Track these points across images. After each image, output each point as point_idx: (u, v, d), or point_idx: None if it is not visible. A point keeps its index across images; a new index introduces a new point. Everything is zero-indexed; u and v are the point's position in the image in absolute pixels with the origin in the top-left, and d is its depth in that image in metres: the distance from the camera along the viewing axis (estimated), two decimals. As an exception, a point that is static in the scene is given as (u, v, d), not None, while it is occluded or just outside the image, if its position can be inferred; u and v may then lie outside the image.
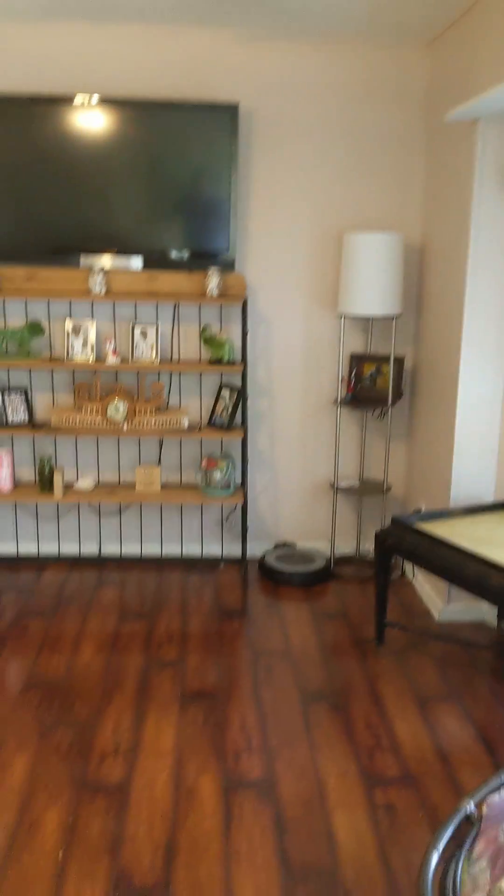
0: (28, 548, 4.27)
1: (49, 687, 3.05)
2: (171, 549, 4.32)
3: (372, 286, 3.73)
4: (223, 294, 3.91)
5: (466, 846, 1.85)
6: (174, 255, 3.88)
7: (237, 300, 3.83)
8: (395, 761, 2.66)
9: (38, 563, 4.24)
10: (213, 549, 4.33)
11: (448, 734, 2.82)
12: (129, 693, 3.03)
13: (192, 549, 4.32)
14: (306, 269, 4.05)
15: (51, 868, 2.17)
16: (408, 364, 4.17)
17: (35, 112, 3.74)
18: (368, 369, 4.09)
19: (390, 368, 3.95)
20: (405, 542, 3.13)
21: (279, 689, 3.08)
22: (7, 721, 2.83)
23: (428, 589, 3.87)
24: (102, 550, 4.30)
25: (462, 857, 1.81)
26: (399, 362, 4.07)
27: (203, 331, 3.94)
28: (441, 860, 1.79)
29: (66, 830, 2.31)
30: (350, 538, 4.38)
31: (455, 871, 1.78)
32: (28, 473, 4.19)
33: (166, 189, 3.83)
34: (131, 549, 4.31)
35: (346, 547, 4.39)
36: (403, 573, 4.21)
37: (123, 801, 2.44)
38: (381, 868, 2.20)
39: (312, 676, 3.19)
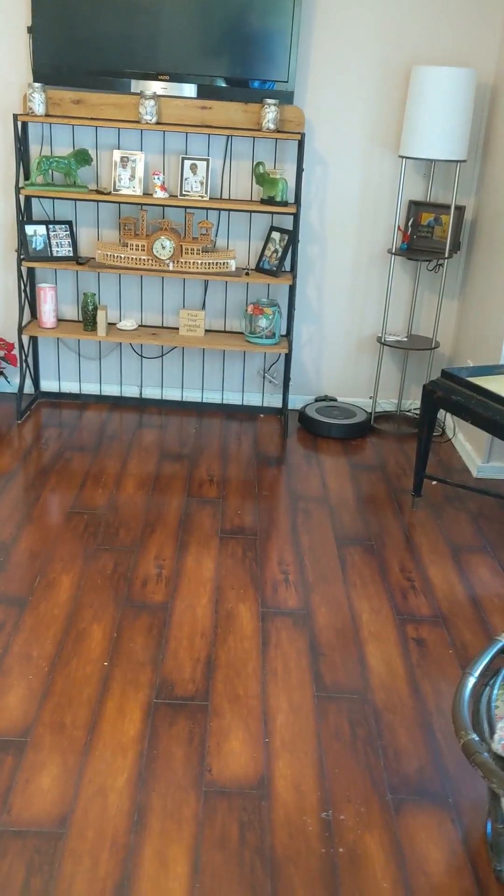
0: (70, 386, 4.29)
1: (93, 516, 3.13)
2: (212, 396, 4.32)
3: (438, 126, 3.51)
4: (279, 128, 3.71)
5: (502, 676, 1.90)
6: (230, 84, 3.67)
7: (294, 136, 3.64)
8: (426, 602, 2.73)
9: (80, 402, 4.27)
10: (253, 399, 4.32)
11: (481, 582, 2.87)
12: (171, 526, 3.10)
13: (233, 398, 4.32)
14: (369, 107, 3.82)
15: (97, 674, 2.28)
16: (468, 215, 3.99)
17: None
18: (426, 218, 3.93)
19: (450, 218, 3.78)
20: (453, 396, 3.09)
21: (316, 532, 3.14)
22: (53, 544, 2.92)
23: (468, 447, 3.86)
24: (143, 393, 4.31)
25: (498, 683, 1.87)
26: (459, 212, 3.90)
27: (256, 167, 3.77)
28: (476, 686, 1.84)
29: (110, 642, 2.42)
30: (392, 395, 4.35)
31: (489, 696, 1.84)
32: (71, 311, 4.14)
33: (224, 13, 3.57)
34: (172, 393, 4.31)
35: (387, 404, 4.36)
36: (443, 432, 4.19)
37: (165, 619, 2.54)
38: (410, 693, 2.29)
39: (349, 522, 3.23)
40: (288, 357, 4.02)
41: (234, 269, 3.85)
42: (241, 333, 4.12)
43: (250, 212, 3.94)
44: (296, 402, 4.35)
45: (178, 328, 4.13)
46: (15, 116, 3.62)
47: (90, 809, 1.85)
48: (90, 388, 4.29)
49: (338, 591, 2.76)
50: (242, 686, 2.28)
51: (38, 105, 3.60)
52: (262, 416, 4.29)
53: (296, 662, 2.39)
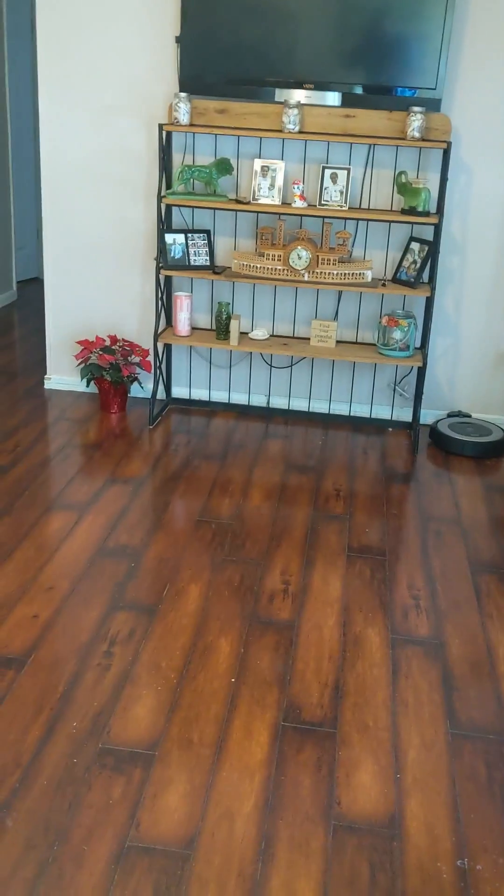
0: (199, 393, 4.31)
1: (220, 526, 3.13)
2: (340, 408, 4.25)
3: None
4: (424, 137, 3.61)
5: None
6: (375, 92, 3.59)
7: (440, 144, 3.53)
8: None
9: (209, 409, 4.29)
10: (382, 412, 4.23)
11: None
12: (297, 540, 3.06)
13: (361, 410, 4.24)
14: (519, 113, 3.67)
15: (224, 690, 2.26)
16: None
17: None
18: None
19: None
20: None
21: (448, 556, 3.03)
22: (182, 552, 2.93)
23: None
24: (271, 402, 4.29)
25: None
26: None
27: (398, 176, 3.68)
28: None
29: (237, 658, 2.39)
30: (529, 413, 4.16)
31: None
32: (205, 319, 4.17)
33: (371, 19, 3.50)
34: (299, 403, 4.27)
35: (523, 422, 4.18)
36: None
37: (292, 639, 2.50)
38: (552, 739, 2.16)
39: (484, 547, 3.10)
40: (421, 370, 3.90)
41: (370, 279, 3.77)
42: (374, 345, 4.04)
43: (390, 222, 3.86)
44: (427, 416, 4.22)
45: (309, 338, 4.08)
46: (160, 126, 3.67)
47: (217, 833, 1.82)
48: (219, 395, 4.31)
49: (472, 621, 2.64)
50: (372, 716, 2.21)
51: (182, 115, 3.64)
52: (390, 429, 4.19)
53: (427, 695, 2.30)
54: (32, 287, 6.44)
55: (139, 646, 2.42)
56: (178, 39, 3.69)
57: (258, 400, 4.29)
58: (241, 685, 2.29)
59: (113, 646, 2.41)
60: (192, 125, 3.70)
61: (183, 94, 3.62)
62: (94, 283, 4.18)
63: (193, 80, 3.68)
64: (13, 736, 2.05)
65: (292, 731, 2.14)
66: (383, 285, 3.79)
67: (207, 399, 4.31)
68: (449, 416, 4.16)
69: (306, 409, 4.28)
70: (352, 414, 4.25)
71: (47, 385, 4.41)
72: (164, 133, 3.74)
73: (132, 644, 2.42)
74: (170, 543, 2.98)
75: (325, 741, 2.10)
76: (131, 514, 3.17)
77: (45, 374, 4.44)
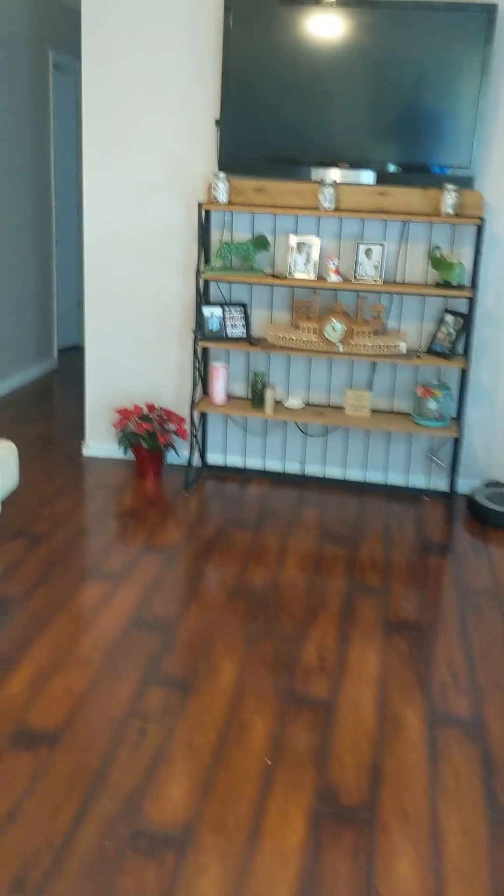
0: (234, 460, 4.35)
1: (255, 597, 3.11)
2: (375, 476, 4.25)
3: None
4: (458, 213, 3.68)
5: None
6: (408, 169, 3.68)
7: (473, 220, 3.59)
8: None
9: (243, 476, 4.31)
10: (418, 481, 4.22)
11: None
12: (333, 613, 3.03)
13: (397, 478, 4.23)
14: (552, 190, 3.72)
15: (258, 772, 2.23)
16: None
17: (278, 14, 3.61)
18: None
19: None
20: None
21: (488, 631, 2.98)
22: (216, 625, 2.92)
23: None
24: (305, 470, 4.30)
25: None
26: None
27: (432, 251, 3.74)
28: None
29: (272, 737, 2.36)
30: None
31: None
32: (241, 388, 4.23)
33: (404, 100, 3.61)
34: (334, 471, 4.28)
35: None
36: None
37: (328, 718, 2.46)
38: None
39: (523, 622, 3.05)
40: (457, 441, 3.90)
41: (404, 351, 3.81)
42: (409, 414, 4.05)
43: (424, 295, 3.91)
44: (464, 485, 4.20)
45: (343, 407, 4.11)
46: (199, 205, 3.78)
47: (252, 924, 1.78)
48: (254, 462, 4.33)
49: (512, 701, 2.58)
50: (410, 800, 2.15)
51: (221, 194, 3.75)
52: (426, 499, 4.17)
53: (468, 779, 2.24)
54: (73, 354, 6.59)
55: (173, 723, 2.40)
56: (217, 122, 3.83)
57: (293, 467, 4.31)
58: (277, 766, 2.25)
59: (147, 722, 2.39)
60: (230, 203, 3.82)
61: (221, 174, 3.74)
62: (132, 353, 4.28)
63: (232, 161, 3.81)
64: (46, 816, 2.04)
65: (329, 815, 2.09)
66: (418, 357, 3.82)
67: (242, 466, 4.34)
68: (486, 486, 4.13)
69: (341, 477, 4.28)
70: (388, 482, 4.24)
71: (85, 452, 4.48)
72: (203, 211, 3.85)
73: (166, 721, 2.40)
74: (204, 615, 2.97)
75: (362, 827, 2.05)
76: (166, 584, 3.18)
77: (84, 440, 4.51)
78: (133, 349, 4.27)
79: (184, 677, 2.61)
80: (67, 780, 2.16)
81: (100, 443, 4.45)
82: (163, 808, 2.08)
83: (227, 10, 3.67)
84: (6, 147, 5.25)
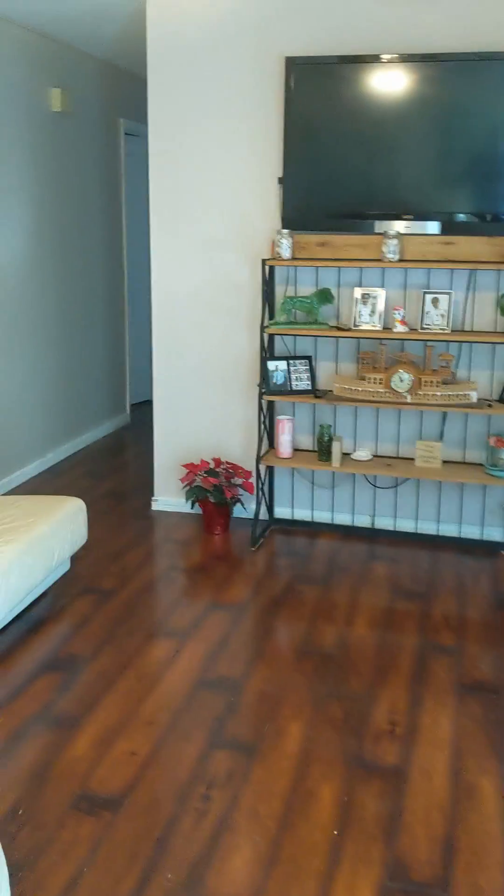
0: (302, 513, 4.30)
1: (323, 657, 3.04)
2: (448, 529, 4.14)
3: None
4: (526, 260, 3.61)
5: None
6: (474, 218, 3.65)
7: (542, 267, 3.52)
8: None
9: (312, 530, 4.26)
10: (494, 533, 4.09)
11: None
12: (404, 674, 2.93)
13: (471, 531, 4.11)
14: None
15: (325, 843, 2.14)
16: None
17: (339, 72, 3.66)
18: None
19: None
20: None
21: None
22: (283, 686, 2.85)
23: None
24: (375, 523, 4.22)
25: None
26: None
27: (501, 298, 3.67)
28: None
29: (340, 807, 2.27)
30: None
31: None
32: (307, 440, 4.20)
33: (471, 149, 3.59)
34: (405, 524, 4.19)
35: None
36: None
37: (399, 786, 2.36)
38: None
39: None
40: (532, 492, 3.77)
41: (475, 400, 3.72)
42: (482, 465, 3.95)
43: (494, 343, 3.83)
44: (540, 538, 4.05)
45: (413, 458, 4.04)
46: (263, 261, 3.82)
47: None
48: (322, 515, 4.28)
49: None
50: (486, 878, 2.03)
51: (284, 250, 3.79)
52: (503, 552, 4.03)
53: (549, 858, 2.10)
54: (146, 409, 6.68)
55: (238, 789, 2.33)
56: (280, 180, 3.88)
57: (362, 520, 4.24)
58: (345, 837, 2.16)
59: (211, 788, 2.33)
60: (293, 259, 3.84)
61: (285, 231, 3.78)
62: (199, 408, 4.31)
63: (295, 217, 3.84)
64: (107, 886, 1.99)
65: (399, 891, 1.99)
66: (489, 406, 3.74)
67: (310, 519, 4.29)
68: None
69: (413, 531, 4.18)
70: (461, 535, 4.12)
71: (154, 506, 4.51)
72: (266, 267, 3.89)
73: (231, 787, 2.34)
74: (270, 675, 2.91)
75: (435, 908, 1.94)
76: (232, 642, 3.13)
77: (153, 495, 4.54)
78: (200, 404, 4.31)
79: (249, 740, 2.55)
80: (129, 847, 2.12)
81: (168, 497, 4.48)
82: (226, 881, 2.01)
83: (288, 70, 3.74)
84: (82, 211, 5.44)
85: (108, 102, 5.74)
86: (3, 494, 4.62)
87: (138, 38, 4.63)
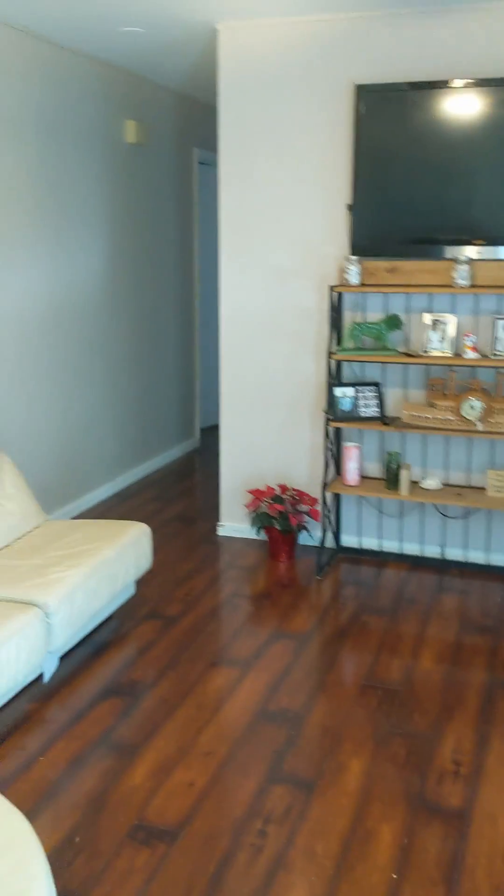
0: (370, 542, 4.24)
1: (387, 692, 2.97)
2: (520, 561, 4.01)
3: None
4: None
5: None
6: (548, 242, 3.56)
7: None
8: None
9: (379, 559, 4.19)
10: None
11: None
12: (471, 712, 2.84)
13: (544, 564, 3.98)
14: None
15: (384, 886, 2.08)
16: None
17: (410, 98, 3.64)
18: None
19: None
20: None
21: None
22: (345, 721, 2.79)
23: None
24: (445, 553, 4.13)
25: None
26: None
27: None
28: None
29: (400, 849, 2.20)
30: None
31: None
32: (375, 468, 4.14)
33: (544, 171, 3.52)
34: (476, 555, 4.08)
35: None
36: None
37: (462, 830, 2.27)
38: None
39: None
40: None
41: (548, 429, 3.61)
42: None
43: None
44: None
45: (485, 488, 3.93)
46: (331, 288, 3.81)
47: None
48: (390, 545, 4.20)
49: None
50: None
51: (353, 276, 3.76)
52: None
53: None
54: (215, 433, 6.72)
55: (295, 826, 2.29)
56: (349, 207, 3.87)
57: (432, 551, 4.15)
58: (404, 881, 2.09)
59: (268, 824, 2.29)
60: (362, 285, 3.81)
61: (353, 258, 3.76)
62: (265, 433, 4.30)
63: (364, 243, 3.82)
64: (159, 920, 1.97)
65: (460, 945, 1.91)
66: None
67: (378, 549, 4.22)
68: None
69: (485, 562, 4.07)
70: (533, 568, 3.99)
71: (220, 532, 4.51)
72: (334, 293, 3.87)
73: (288, 823, 2.30)
74: (333, 709, 2.86)
75: None
76: (294, 673, 3.09)
77: (219, 520, 4.55)
78: (266, 430, 4.30)
79: (309, 776, 2.50)
80: (184, 881, 2.09)
81: (234, 523, 4.47)
82: (280, 922, 1.97)
83: (358, 97, 3.74)
84: (155, 239, 5.54)
85: (181, 133, 5.84)
86: (72, 518, 4.70)
87: (211, 69, 4.71)
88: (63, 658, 3.17)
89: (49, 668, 3.02)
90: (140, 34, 4.12)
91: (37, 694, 2.95)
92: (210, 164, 6.33)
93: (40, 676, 3.01)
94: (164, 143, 5.60)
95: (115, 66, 4.85)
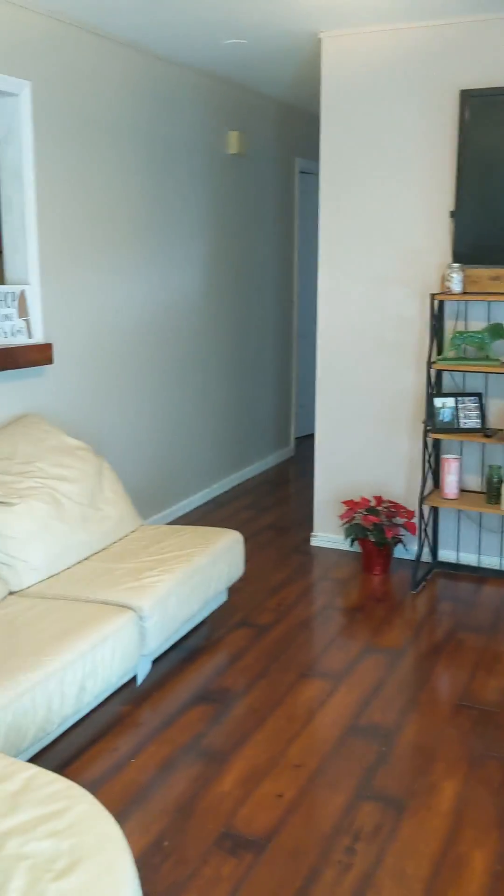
0: (468, 558, 4.12)
1: (482, 712, 2.88)
2: None
3: None
4: None
5: None
6: None
7: None
8: None
9: (478, 575, 4.07)
10: None
11: None
12: None
13: None
14: None
15: (476, 916, 2.00)
16: None
17: (516, 103, 3.55)
18: None
19: None
20: None
21: None
22: (438, 740, 2.72)
23: None
24: (547, 571, 3.98)
25: None
26: None
27: None
28: None
29: (492, 877, 2.12)
30: None
31: None
32: (475, 481, 4.03)
33: None
34: None
35: None
36: None
37: None
38: None
39: None
40: None
41: None
42: None
43: None
44: None
45: None
46: (432, 296, 3.74)
47: None
48: (490, 560, 4.08)
49: None
50: None
51: (455, 284, 3.68)
52: None
53: None
54: (310, 442, 6.70)
55: (384, 845, 2.24)
56: (452, 214, 3.79)
57: (533, 568, 4.00)
58: (498, 913, 2.01)
59: (356, 841, 2.25)
60: (464, 293, 3.73)
61: (456, 265, 3.68)
62: (362, 443, 4.25)
63: (467, 251, 3.73)
64: (244, 931, 1.96)
65: None
66: None
67: (476, 564, 4.10)
68: None
69: None
70: None
71: (313, 542, 4.48)
72: (435, 302, 3.79)
73: (377, 841, 2.25)
74: (425, 727, 2.79)
75: None
76: (387, 688, 3.03)
77: (312, 530, 4.52)
78: (362, 440, 4.25)
79: (399, 795, 2.45)
80: (270, 894, 2.07)
81: (328, 533, 4.44)
82: (366, 944, 1.92)
83: (463, 103, 3.66)
84: (256, 249, 5.58)
85: (283, 142, 5.87)
86: (167, 524, 4.77)
87: (313, 78, 4.70)
88: (156, 662, 3.20)
89: (142, 672, 3.06)
90: (243, 45, 4.16)
91: (130, 696, 2.99)
92: (311, 172, 6.33)
93: (134, 679, 3.05)
94: (265, 152, 5.64)
95: (217, 77, 4.91)
